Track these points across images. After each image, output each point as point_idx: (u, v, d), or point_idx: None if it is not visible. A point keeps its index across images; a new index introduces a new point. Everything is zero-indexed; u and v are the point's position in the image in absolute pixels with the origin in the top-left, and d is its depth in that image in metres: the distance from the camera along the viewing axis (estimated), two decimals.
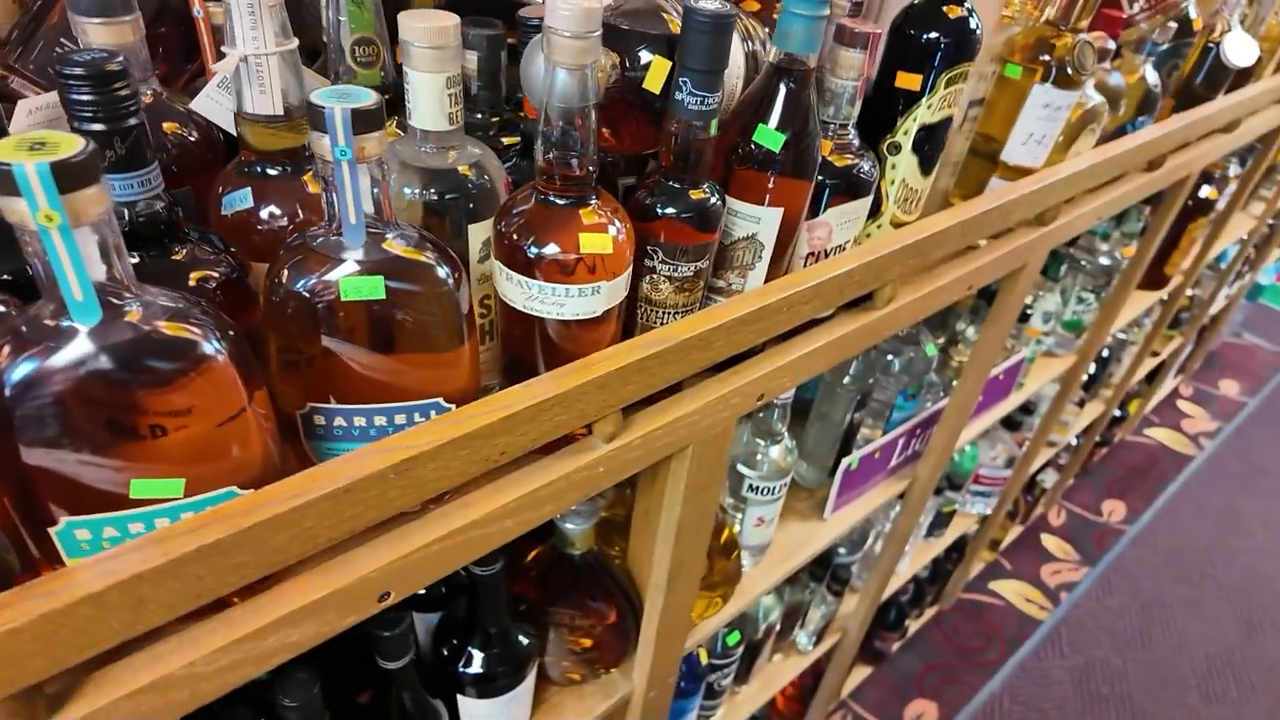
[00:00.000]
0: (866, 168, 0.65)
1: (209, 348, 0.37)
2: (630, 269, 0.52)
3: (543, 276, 0.48)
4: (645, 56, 0.53)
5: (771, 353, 0.68)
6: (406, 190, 0.50)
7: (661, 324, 0.58)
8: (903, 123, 0.68)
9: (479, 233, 0.51)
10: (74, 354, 0.34)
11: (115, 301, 0.35)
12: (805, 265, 0.69)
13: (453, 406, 0.47)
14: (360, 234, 0.41)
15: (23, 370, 0.33)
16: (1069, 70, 0.81)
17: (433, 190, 0.50)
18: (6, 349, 0.33)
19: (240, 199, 0.48)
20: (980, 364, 1.09)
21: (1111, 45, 0.90)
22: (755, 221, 0.59)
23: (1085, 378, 1.86)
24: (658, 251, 0.54)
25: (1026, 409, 1.67)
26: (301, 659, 0.55)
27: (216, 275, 0.44)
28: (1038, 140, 0.85)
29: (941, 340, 1.24)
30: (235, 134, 0.48)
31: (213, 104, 0.49)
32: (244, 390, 0.38)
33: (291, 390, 0.45)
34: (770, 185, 0.57)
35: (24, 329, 0.34)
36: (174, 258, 0.43)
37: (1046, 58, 0.81)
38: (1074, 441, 2.14)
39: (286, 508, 0.39)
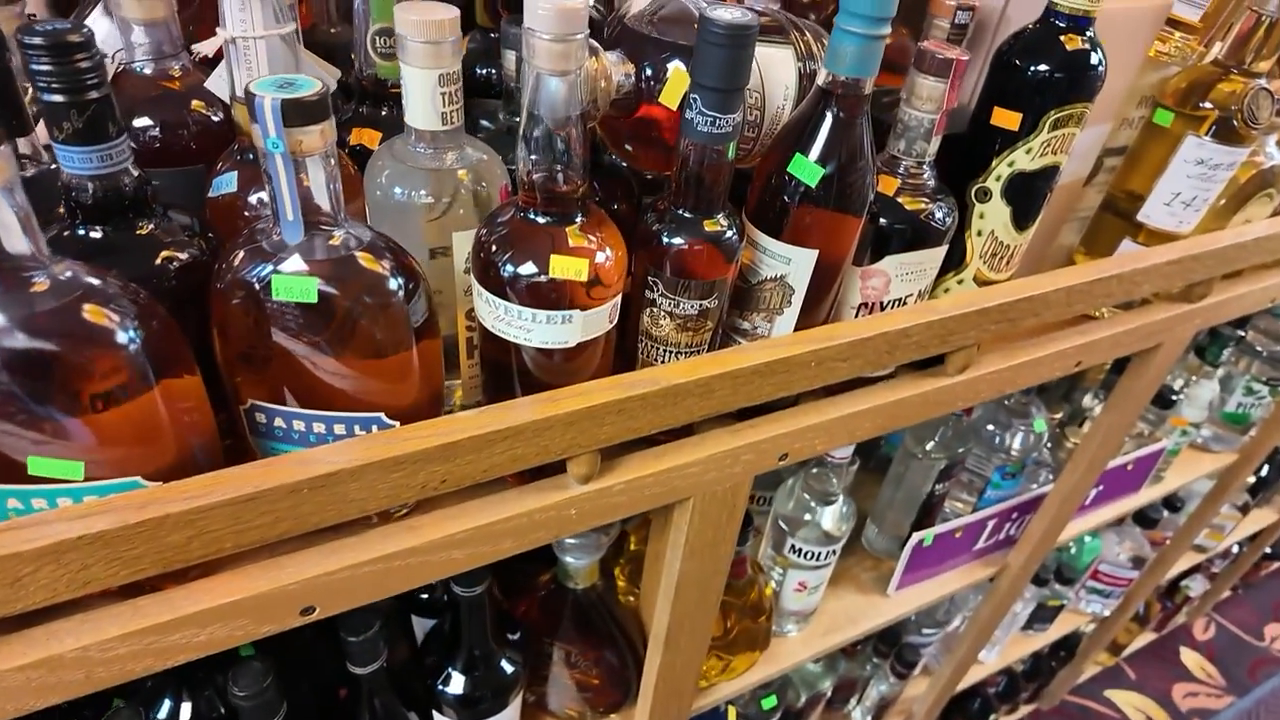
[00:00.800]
0: (940, 214, 0.56)
1: (118, 334, 0.36)
2: (616, 299, 0.47)
3: (515, 298, 0.44)
4: (671, 68, 0.47)
5: (804, 408, 0.61)
6: (397, 190, 0.47)
7: (661, 362, 0.53)
8: (996, 166, 0.58)
9: (466, 242, 0.48)
10: None
11: (22, 274, 0.34)
12: (856, 316, 0.61)
13: (396, 423, 0.44)
14: (297, 231, 0.38)
15: None
16: (1235, 122, 0.67)
17: (423, 192, 0.47)
18: None
19: (226, 182, 0.47)
20: (1095, 453, 0.94)
21: None
22: (785, 262, 0.52)
23: (1252, 480, 1.60)
24: (658, 283, 0.49)
25: (1171, 504, 1.45)
26: (273, 651, 0.54)
27: (183, 257, 0.44)
28: (1185, 202, 0.72)
29: (1060, 415, 1.09)
30: None
31: (224, 84, 0.49)
32: (152, 379, 0.37)
33: (237, 383, 0.43)
34: (804, 224, 0.50)
35: None
36: (137, 233, 0.42)
37: (1208, 105, 0.68)
38: (1234, 549, 1.86)
39: (182, 508, 0.37)
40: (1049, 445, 1.10)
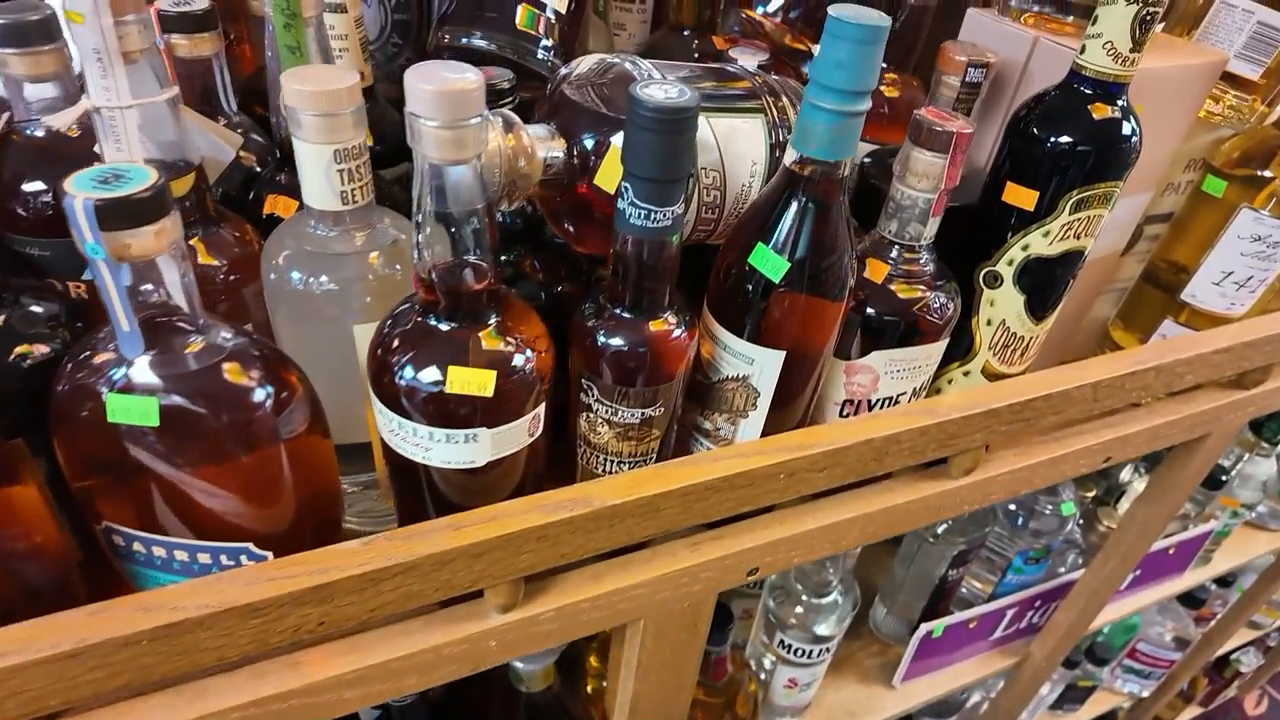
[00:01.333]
0: (938, 304, 0.49)
1: None
2: (538, 409, 0.40)
3: (411, 413, 0.38)
4: (612, 144, 0.41)
5: (780, 515, 0.53)
6: (295, 275, 0.41)
7: (605, 472, 0.46)
8: (1007, 248, 0.50)
9: (369, 335, 0.42)
10: None
11: None
12: (840, 413, 0.53)
13: (268, 555, 0.38)
14: (135, 344, 0.33)
15: None
16: None
17: (324, 279, 0.41)
18: None
19: None
20: (1130, 546, 0.84)
21: None
22: (748, 362, 0.45)
23: None
24: (593, 388, 0.42)
25: (1221, 579, 1.33)
26: None
27: (42, 350, 0.38)
28: (1238, 283, 0.63)
29: (1093, 493, 0.99)
30: None
31: (116, 152, 0.43)
32: None
33: (89, 500, 0.37)
34: (769, 323, 0.43)
35: None
36: None
37: (1267, 174, 0.59)
38: None
39: None
40: (1081, 522, 1.00)
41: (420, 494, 0.42)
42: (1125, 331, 0.72)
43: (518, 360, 0.39)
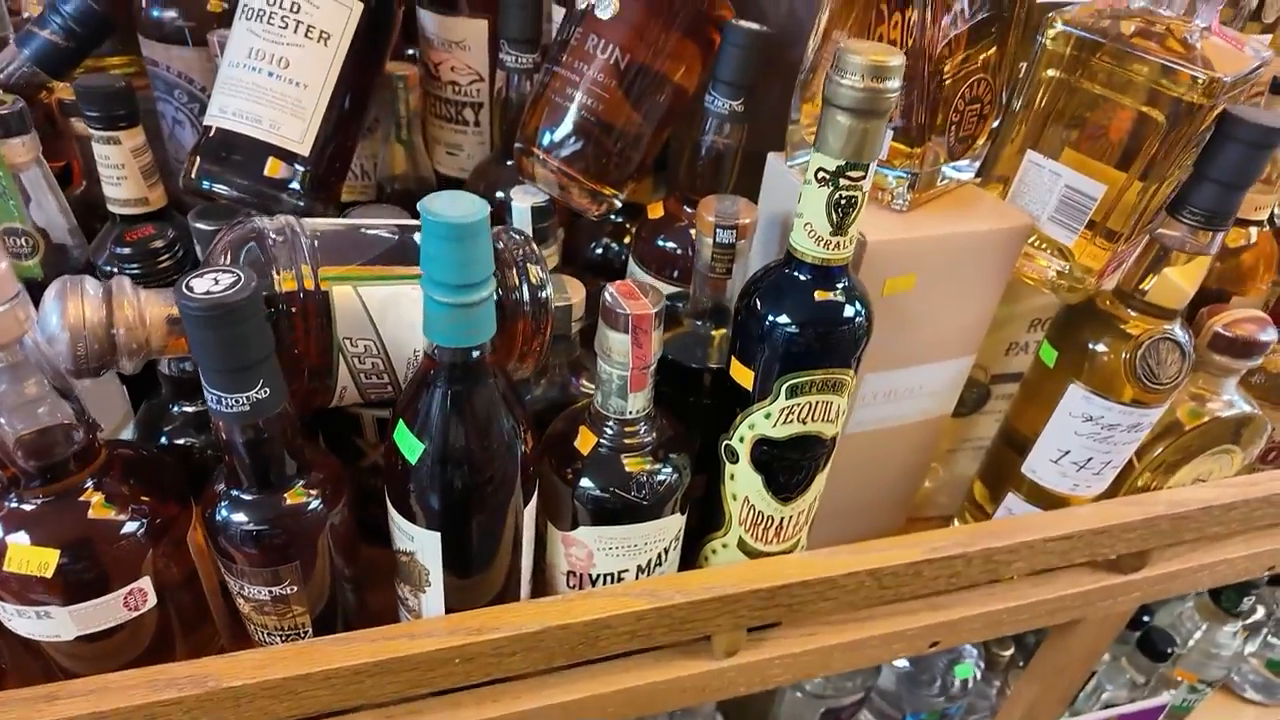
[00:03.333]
0: (649, 481, 0.45)
1: None
2: (140, 581, 0.39)
3: None
4: None
5: (493, 691, 0.50)
6: None
7: (262, 641, 0.44)
8: (739, 425, 0.46)
9: None
10: None
11: None
12: (568, 584, 0.50)
13: None
14: None
15: None
16: (1134, 376, 0.51)
17: None
18: None
19: None
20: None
21: (1270, 335, 0.57)
22: (409, 539, 0.42)
23: None
24: (218, 561, 0.41)
25: None
26: None
27: None
28: (1077, 464, 0.56)
29: (1011, 651, 0.89)
30: None
31: None
32: None
33: None
34: (418, 502, 0.41)
35: None
36: None
37: (1099, 348, 0.52)
38: None
39: None
40: (999, 680, 0.90)
41: (39, 655, 0.41)
42: (987, 491, 0.66)
43: (130, 525, 0.38)
